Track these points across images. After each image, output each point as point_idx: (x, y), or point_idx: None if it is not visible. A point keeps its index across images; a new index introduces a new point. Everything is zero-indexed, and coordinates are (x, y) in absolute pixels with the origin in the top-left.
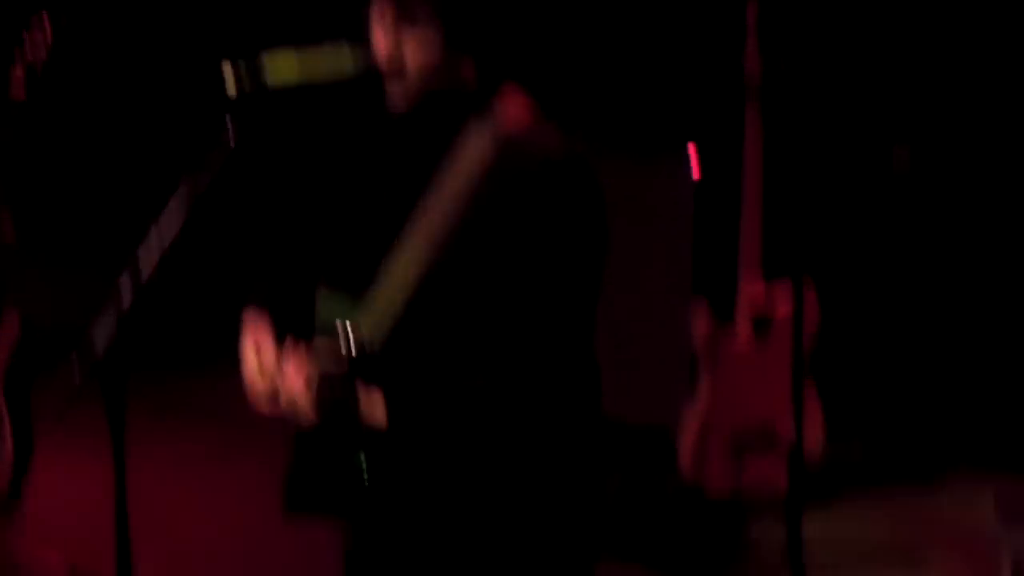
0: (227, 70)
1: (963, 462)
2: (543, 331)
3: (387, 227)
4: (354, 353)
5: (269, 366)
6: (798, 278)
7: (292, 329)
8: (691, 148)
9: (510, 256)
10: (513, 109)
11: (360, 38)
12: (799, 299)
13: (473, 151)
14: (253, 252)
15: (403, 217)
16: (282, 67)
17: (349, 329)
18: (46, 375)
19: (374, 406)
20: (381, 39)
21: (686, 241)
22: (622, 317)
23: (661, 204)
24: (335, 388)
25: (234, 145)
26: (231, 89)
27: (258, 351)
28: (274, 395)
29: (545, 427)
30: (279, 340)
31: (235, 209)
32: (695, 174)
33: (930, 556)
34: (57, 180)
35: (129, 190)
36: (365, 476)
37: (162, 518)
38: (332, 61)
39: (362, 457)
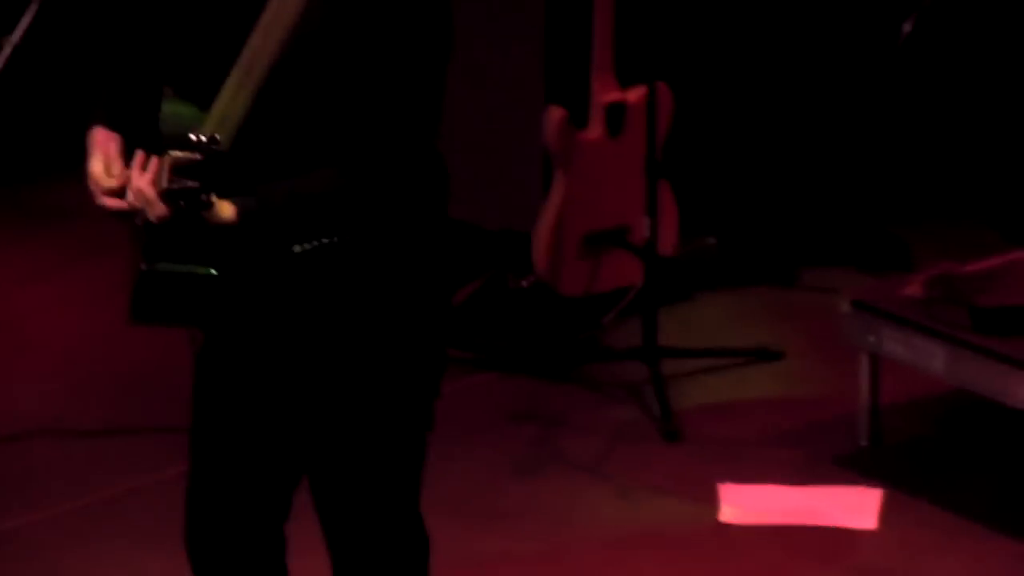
0: None
1: (817, 259)
2: (388, 123)
3: (231, 25)
4: (202, 159)
5: (115, 173)
6: (652, 78)
7: (138, 137)
8: None
9: (354, 49)
10: None
11: None
12: (652, 98)
13: None
14: (98, 57)
15: (247, 15)
16: None
17: (195, 137)
18: None
19: (222, 206)
20: None
21: (538, 45)
22: (476, 124)
23: (513, 4)
24: (184, 187)
25: None
26: None
27: (105, 162)
28: (118, 192)
29: (392, 223)
30: (127, 151)
31: (82, 12)
32: None
33: (787, 348)
34: None
35: None
36: (213, 277)
37: (16, 323)
38: None
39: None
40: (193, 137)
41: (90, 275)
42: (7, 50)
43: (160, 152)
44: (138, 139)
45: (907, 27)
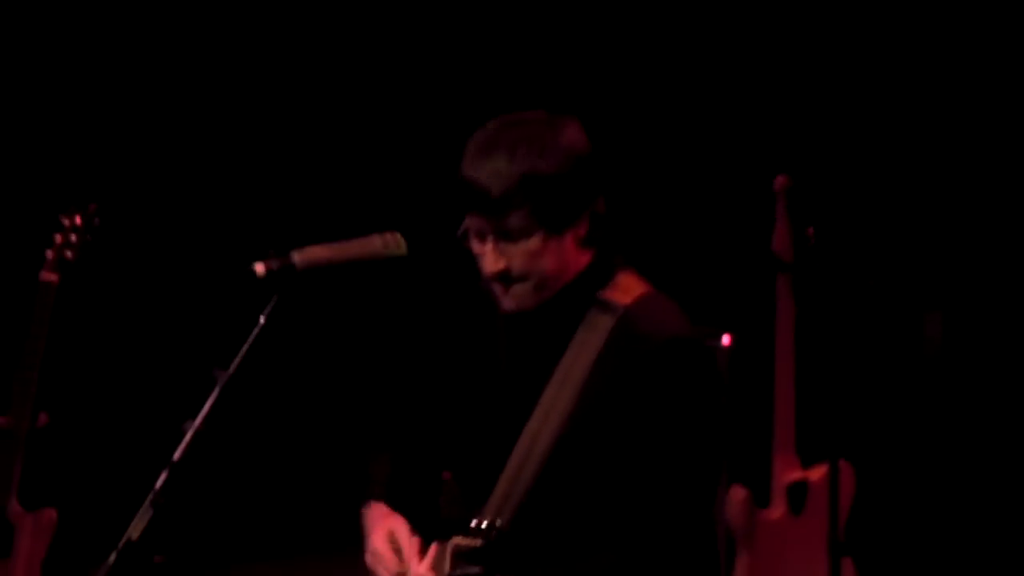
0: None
1: None
2: (668, 510)
3: (510, 413)
4: (484, 545)
5: (400, 559)
6: (834, 457)
7: (418, 521)
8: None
9: (633, 436)
10: (629, 287)
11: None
12: (835, 477)
13: (593, 333)
14: (370, 441)
15: (525, 403)
16: (310, 251)
17: (477, 523)
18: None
19: None
20: (488, 261)
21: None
22: None
23: None
24: (466, 573)
25: (265, 321)
26: (260, 268)
27: (392, 541)
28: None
29: None
30: (409, 531)
31: (264, 398)
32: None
33: None
34: (91, 373)
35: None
36: None
37: None
38: (361, 246)
39: None
40: (474, 523)
41: None
42: (188, 435)
43: (440, 537)
44: (418, 523)
45: None
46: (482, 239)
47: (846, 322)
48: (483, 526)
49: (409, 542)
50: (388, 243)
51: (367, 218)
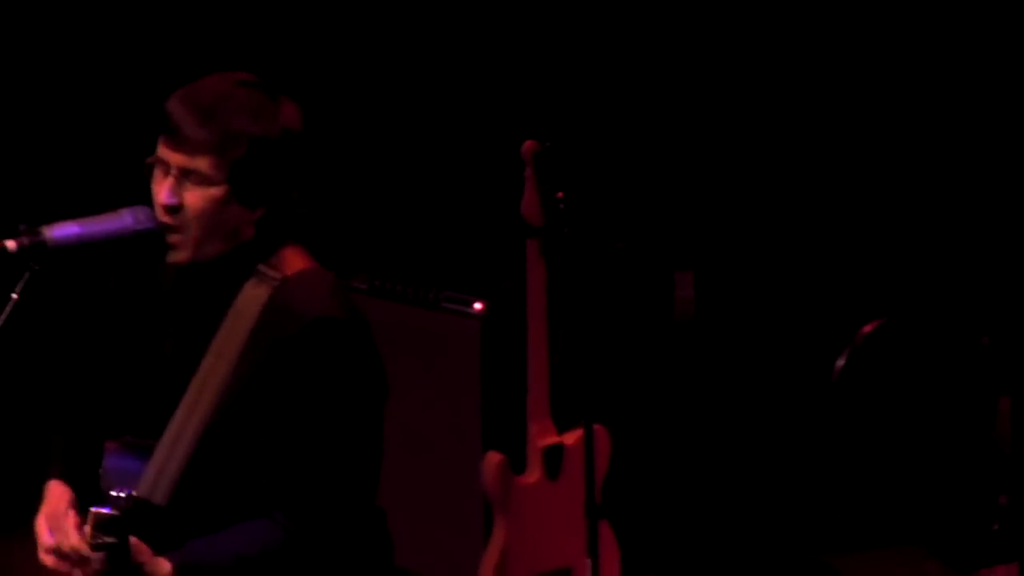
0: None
1: None
2: (322, 485)
3: (171, 379)
4: (119, 507)
5: (62, 537)
6: (589, 421)
7: (85, 486)
8: (479, 304)
9: (282, 414)
10: (291, 261)
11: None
12: (590, 440)
13: (249, 305)
14: (48, 411)
15: (186, 369)
16: (61, 227)
17: (116, 494)
18: None
19: (159, 563)
20: (163, 191)
21: (474, 391)
22: (416, 471)
23: (448, 354)
24: (120, 551)
25: (17, 298)
26: (11, 245)
27: (52, 518)
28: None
29: None
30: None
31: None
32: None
33: None
34: None
35: None
36: None
37: None
38: (110, 222)
39: None
40: (113, 493)
41: None
42: None
43: (98, 503)
44: (87, 494)
45: (840, 363)
46: (166, 173)
47: (597, 286)
48: (119, 496)
49: (67, 515)
50: (139, 217)
51: (110, 191)
